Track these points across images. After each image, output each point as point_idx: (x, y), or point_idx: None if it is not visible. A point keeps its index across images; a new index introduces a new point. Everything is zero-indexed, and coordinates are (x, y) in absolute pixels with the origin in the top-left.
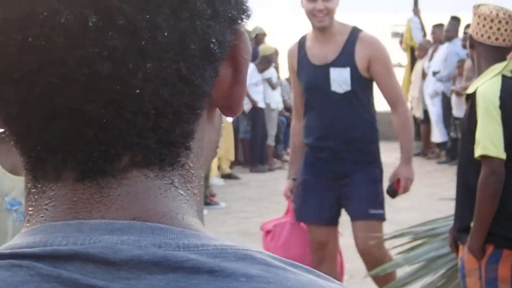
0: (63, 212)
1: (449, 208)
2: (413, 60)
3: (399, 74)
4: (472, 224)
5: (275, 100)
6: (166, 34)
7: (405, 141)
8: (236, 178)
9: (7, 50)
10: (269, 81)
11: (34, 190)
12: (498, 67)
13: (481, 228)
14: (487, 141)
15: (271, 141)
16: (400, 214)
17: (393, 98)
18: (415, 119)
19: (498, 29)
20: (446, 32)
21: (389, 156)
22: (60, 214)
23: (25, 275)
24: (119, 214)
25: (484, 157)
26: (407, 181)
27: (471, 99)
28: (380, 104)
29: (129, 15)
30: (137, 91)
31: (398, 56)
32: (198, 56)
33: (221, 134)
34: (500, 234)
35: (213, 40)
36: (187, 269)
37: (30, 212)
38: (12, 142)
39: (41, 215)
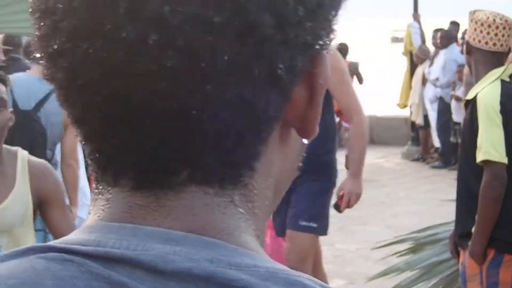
0: (119, 215)
1: (448, 213)
2: (412, 65)
3: (399, 80)
4: (473, 229)
5: None
6: (227, 58)
7: (355, 153)
8: None
9: (74, 57)
10: None
11: (95, 191)
12: (496, 72)
13: (483, 233)
14: (489, 146)
15: None
16: (399, 219)
17: (348, 108)
18: (414, 125)
19: (496, 34)
20: (441, 39)
21: (388, 161)
22: (116, 217)
23: (76, 270)
24: (175, 225)
25: (486, 162)
26: (351, 195)
27: (471, 104)
28: (377, 109)
29: (190, 37)
30: (194, 112)
31: (397, 61)
32: (263, 81)
33: (303, 154)
34: (501, 238)
35: (281, 66)
36: None
37: (90, 211)
38: (82, 143)
39: (98, 214)
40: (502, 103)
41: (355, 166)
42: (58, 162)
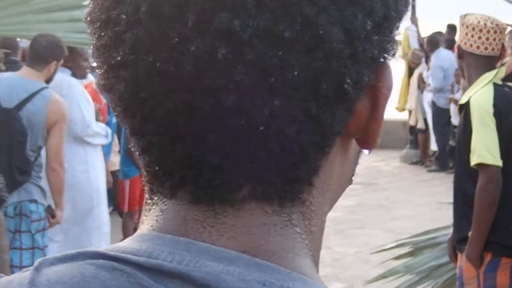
0: (173, 227)
1: (446, 217)
2: (410, 69)
3: (397, 83)
4: (470, 233)
5: None
6: (297, 73)
7: None
8: None
9: (137, 69)
10: None
11: (149, 201)
12: (489, 76)
13: (480, 237)
14: (483, 149)
15: None
16: (398, 223)
17: None
18: (412, 128)
19: (487, 38)
20: (427, 44)
21: (387, 164)
22: (170, 228)
23: (125, 281)
24: (230, 244)
25: (480, 166)
26: None
27: (464, 108)
28: None
29: (260, 51)
30: (261, 128)
31: (396, 64)
32: (330, 96)
33: (358, 163)
34: (498, 242)
35: (348, 81)
36: None
37: (143, 221)
38: (137, 152)
39: (151, 224)
40: (495, 106)
41: None
42: (43, 165)
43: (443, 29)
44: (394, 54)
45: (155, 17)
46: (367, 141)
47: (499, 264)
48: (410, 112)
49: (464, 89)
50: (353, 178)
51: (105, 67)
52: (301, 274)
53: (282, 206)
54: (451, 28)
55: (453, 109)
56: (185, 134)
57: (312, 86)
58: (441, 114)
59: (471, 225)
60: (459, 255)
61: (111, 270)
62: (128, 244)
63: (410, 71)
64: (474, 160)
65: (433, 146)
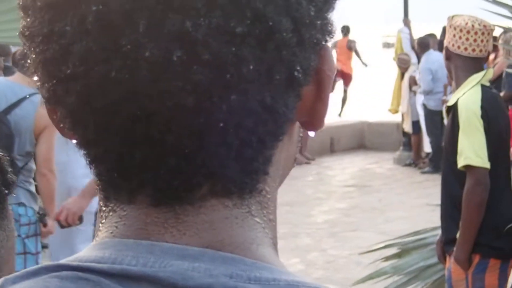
0: (134, 232)
1: (440, 219)
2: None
3: (390, 85)
4: (457, 235)
5: None
6: (251, 66)
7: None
8: None
9: (89, 80)
10: None
11: (104, 209)
12: (476, 77)
13: (468, 239)
14: (470, 152)
15: None
16: (391, 225)
17: None
18: (404, 131)
19: (475, 40)
20: (417, 46)
21: (380, 167)
22: (131, 233)
23: None
24: (193, 241)
25: (468, 168)
26: (67, 211)
27: (452, 110)
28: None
29: (215, 50)
30: (221, 124)
31: (389, 66)
32: (282, 85)
33: (299, 145)
34: (486, 243)
35: (298, 68)
36: None
37: (100, 229)
38: (87, 162)
39: (110, 231)
40: (483, 108)
41: (87, 185)
42: (33, 170)
43: (438, 32)
44: (333, 36)
45: (104, 26)
46: (314, 123)
47: (487, 265)
48: (397, 111)
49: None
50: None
51: (52, 80)
52: (265, 263)
53: (242, 198)
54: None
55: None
56: (143, 139)
57: (266, 77)
58: (432, 116)
59: (458, 227)
60: (447, 256)
61: (76, 280)
62: (90, 252)
63: (403, 74)
64: (461, 162)
65: (427, 148)
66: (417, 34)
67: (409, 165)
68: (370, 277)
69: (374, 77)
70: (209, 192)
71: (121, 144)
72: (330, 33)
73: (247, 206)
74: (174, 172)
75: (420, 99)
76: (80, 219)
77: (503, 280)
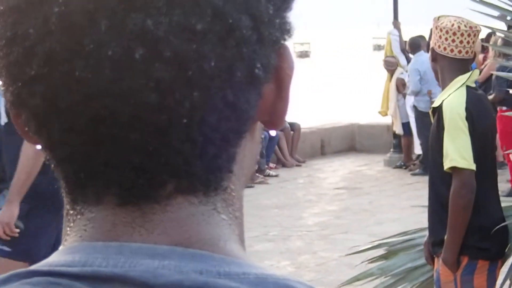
0: (103, 234)
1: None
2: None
3: (380, 87)
4: (445, 237)
5: None
6: (213, 63)
7: (16, 173)
8: None
9: (53, 82)
10: None
11: (72, 212)
12: (462, 79)
13: (455, 240)
14: (456, 154)
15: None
16: (382, 227)
17: None
18: (395, 132)
19: (461, 41)
20: (409, 46)
21: (371, 169)
22: (100, 236)
23: None
24: (161, 240)
25: (454, 170)
26: (1, 224)
27: (437, 112)
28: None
29: (176, 47)
30: (184, 120)
31: (379, 69)
32: (244, 82)
33: (261, 145)
34: (473, 245)
35: (258, 65)
36: None
37: (68, 233)
38: (53, 165)
39: (79, 235)
40: (467, 109)
41: (12, 189)
42: None
43: (427, 34)
44: (291, 35)
45: (66, 27)
46: (274, 122)
47: (475, 267)
48: (392, 117)
49: None
50: (257, 161)
51: (16, 83)
52: (234, 258)
53: (207, 196)
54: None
55: None
56: (107, 138)
57: (227, 74)
58: (423, 118)
59: (445, 228)
60: (435, 258)
61: (47, 286)
62: (60, 257)
63: (392, 76)
64: (447, 164)
65: (417, 150)
66: (407, 36)
67: (400, 167)
68: (356, 278)
69: (365, 79)
70: (175, 190)
71: (86, 144)
72: (288, 32)
73: (212, 203)
74: (139, 171)
75: (410, 100)
76: (18, 226)
77: (491, 281)
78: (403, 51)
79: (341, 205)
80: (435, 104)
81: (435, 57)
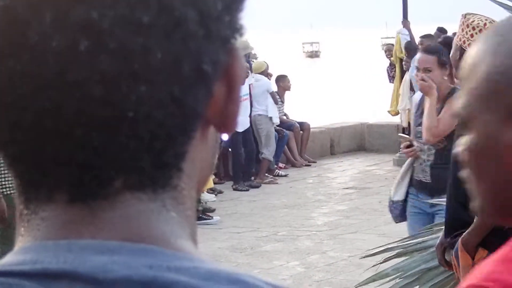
0: (54, 233)
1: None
2: (402, 72)
3: (390, 87)
4: (473, 223)
5: (276, 114)
6: (159, 56)
7: None
8: (220, 192)
9: None
10: (272, 96)
11: (26, 212)
12: None
13: (482, 227)
14: None
15: (270, 156)
16: (391, 227)
17: None
18: (405, 131)
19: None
20: (405, 50)
21: (380, 168)
22: (51, 235)
23: None
24: (110, 236)
25: None
26: None
27: None
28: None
29: (121, 39)
30: (130, 115)
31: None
32: (191, 77)
33: (217, 152)
34: (494, 241)
35: (206, 61)
36: None
37: (22, 233)
38: (7, 165)
39: (33, 235)
40: None
41: None
42: None
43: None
44: (242, 34)
45: (11, 20)
46: (226, 124)
47: None
48: (397, 112)
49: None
50: (214, 165)
51: None
52: (186, 253)
53: (155, 193)
54: (441, 31)
55: None
56: (54, 134)
57: (174, 68)
58: None
59: (466, 226)
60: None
61: None
62: (12, 257)
63: (402, 75)
64: None
65: None
66: (416, 35)
67: None
68: (372, 279)
69: (374, 79)
70: (123, 186)
71: (34, 140)
72: (239, 31)
73: (161, 201)
74: (85, 167)
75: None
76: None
77: None
78: (415, 49)
79: (350, 205)
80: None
81: (463, 55)
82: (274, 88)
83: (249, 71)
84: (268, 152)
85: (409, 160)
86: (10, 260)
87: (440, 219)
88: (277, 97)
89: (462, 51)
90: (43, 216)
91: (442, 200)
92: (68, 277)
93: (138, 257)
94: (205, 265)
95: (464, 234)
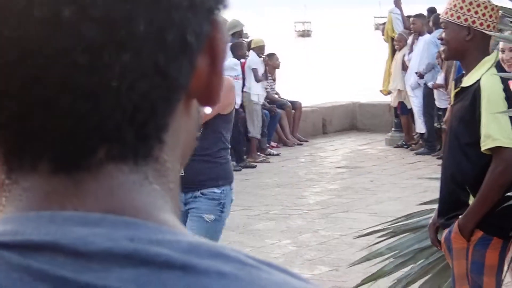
0: (37, 204)
1: (432, 199)
2: (394, 52)
3: (382, 66)
4: (469, 207)
5: (257, 91)
6: (143, 26)
7: None
8: None
9: None
10: (254, 73)
11: (8, 181)
12: (491, 58)
13: (480, 212)
14: (498, 134)
15: (257, 134)
16: (383, 206)
17: None
18: (397, 111)
19: (496, 17)
20: (435, 25)
21: (372, 148)
22: (34, 206)
23: None
24: (93, 208)
25: (496, 149)
26: None
27: (472, 91)
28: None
29: (106, 7)
30: (114, 84)
31: (380, 47)
32: (175, 48)
33: (200, 126)
34: (492, 222)
35: (190, 32)
36: (159, 263)
37: (3, 203)
38: None
39: (14, 205)
40: (504, 90)
41: None
42: None
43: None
44: (226, 6)
45: None
46: (209, 98)
47: (490, 243)
48: (390, 92)
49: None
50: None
51: None
52: (168, 227)
53: (137, 164)
54: (431, 12)
55: (436, 92)
56: (40, 102)
57: (158, 38)
58: (430, 96)
59: (463, 207)
60: (444, 230)
61: None
62: None
63: (394, 55)
64: (489, 144)
65: (418, 129)
66: (407, 14)
67: (401, 146)
68: (366, 258)
69: (365, 58)
70: (106, 157)
71: (20, 108)
72: (222, 2)
73: (143, 173)
74: (70, 135)
75: (409, 79)
76: None
77: (502, 259)
78: (406, 29)
79: (342, 184)
80: (466, 84)
81: (474, 35)
82: (262, 66)
83: (246, 51)
84: (254, 130)
85: None
86: None
87: (192, 217)
88: (262, 74)
89: (470, 31)
90: (25, 186)
91: None
92: (50, 249)
93: (120, 230)
94: (187, 238)
95: (459, 218)
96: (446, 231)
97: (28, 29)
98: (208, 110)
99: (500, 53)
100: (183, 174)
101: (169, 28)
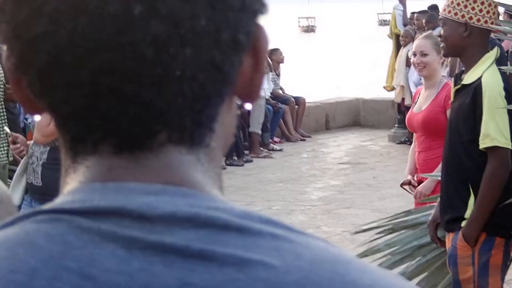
0: (100, 177)
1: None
2: (398, 48)
3: (386, 62)
4: (470, 214)
5: (265, 86)
6: (203, 23)
7: None
8: None
9: (58, 38)
10: None
11: (72, 164)
12: (491, 55)
13: (482, 217)
14: (496, 133)
15: (257, 129)
16: (385, 202)
17: None
18: (400, 107)
19: (494, 13)
20: (427, 24)
21: (375, 144)
22: (97, 178)
23: (65, 227)
24: (154, 181)
25: (492, 149)
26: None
27: (473, 89)
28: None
29: (172, 6)
30: (177, 74)
31: (384, 43)
32: (229, 45)
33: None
34: (493, 222)
35: (241, 31)
36: (218, 225)
37: (68, 181)
38: (56, 124)
39: (79, 179)
40: (505, 88)
41: None
42: None
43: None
44: (267, 8)
45: None
46: (250, 94)
47: (494, 243)
48: (393, 88)
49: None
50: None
51: (22, 43)
52: (220, 199)
53: (192, 148)
54: (433, 8)
55: None
56: (107, 91)
57: (215, 35)
58: None
59: (466, 205)
60: (448, 234)
61: (50, 221)
62: (62, 199)
63: (398, 51)
64: (487, 143)
65: None
66: (412, 10)
67: (404, 142)
68: (364, 254)
69: (369, 54)
70: (167, 140)
71: (87, 97)
72: (265, 6)
73: (196, 155)
74: (135, 121)
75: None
76: None
77: (506, 258)
78: (406, 26)
79: (345, 180)
80: (467, 81)
81: (471, 32)
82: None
83: None
84: (254, 125)
85: (24, 158)
86: (59, 201)
87: None
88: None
89: (468, 27)
90: (88, 165)
91: None
92: (117, 214)
93: (180, 198)
94: (239, 207)
95: (463, 228)
96: (450, 247)
97: (101, 25)
98: (248, 106)
99: (412, 56)
100: None
101: (224, 27)
